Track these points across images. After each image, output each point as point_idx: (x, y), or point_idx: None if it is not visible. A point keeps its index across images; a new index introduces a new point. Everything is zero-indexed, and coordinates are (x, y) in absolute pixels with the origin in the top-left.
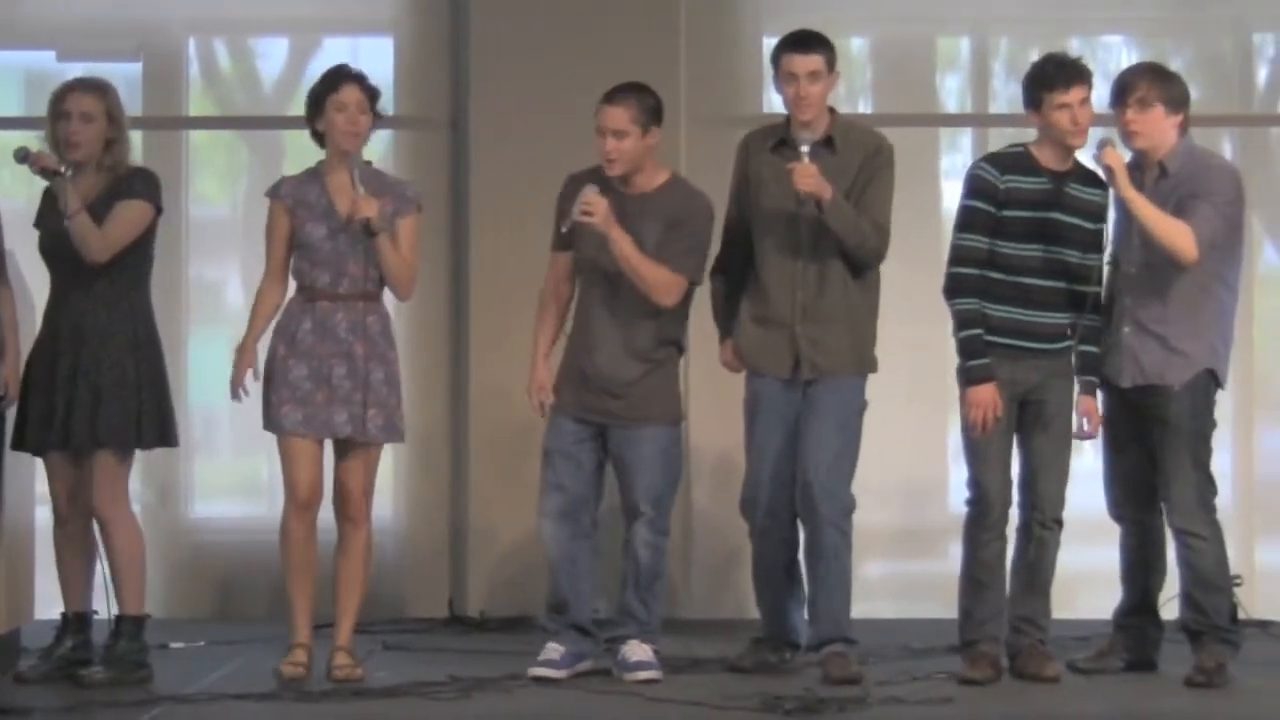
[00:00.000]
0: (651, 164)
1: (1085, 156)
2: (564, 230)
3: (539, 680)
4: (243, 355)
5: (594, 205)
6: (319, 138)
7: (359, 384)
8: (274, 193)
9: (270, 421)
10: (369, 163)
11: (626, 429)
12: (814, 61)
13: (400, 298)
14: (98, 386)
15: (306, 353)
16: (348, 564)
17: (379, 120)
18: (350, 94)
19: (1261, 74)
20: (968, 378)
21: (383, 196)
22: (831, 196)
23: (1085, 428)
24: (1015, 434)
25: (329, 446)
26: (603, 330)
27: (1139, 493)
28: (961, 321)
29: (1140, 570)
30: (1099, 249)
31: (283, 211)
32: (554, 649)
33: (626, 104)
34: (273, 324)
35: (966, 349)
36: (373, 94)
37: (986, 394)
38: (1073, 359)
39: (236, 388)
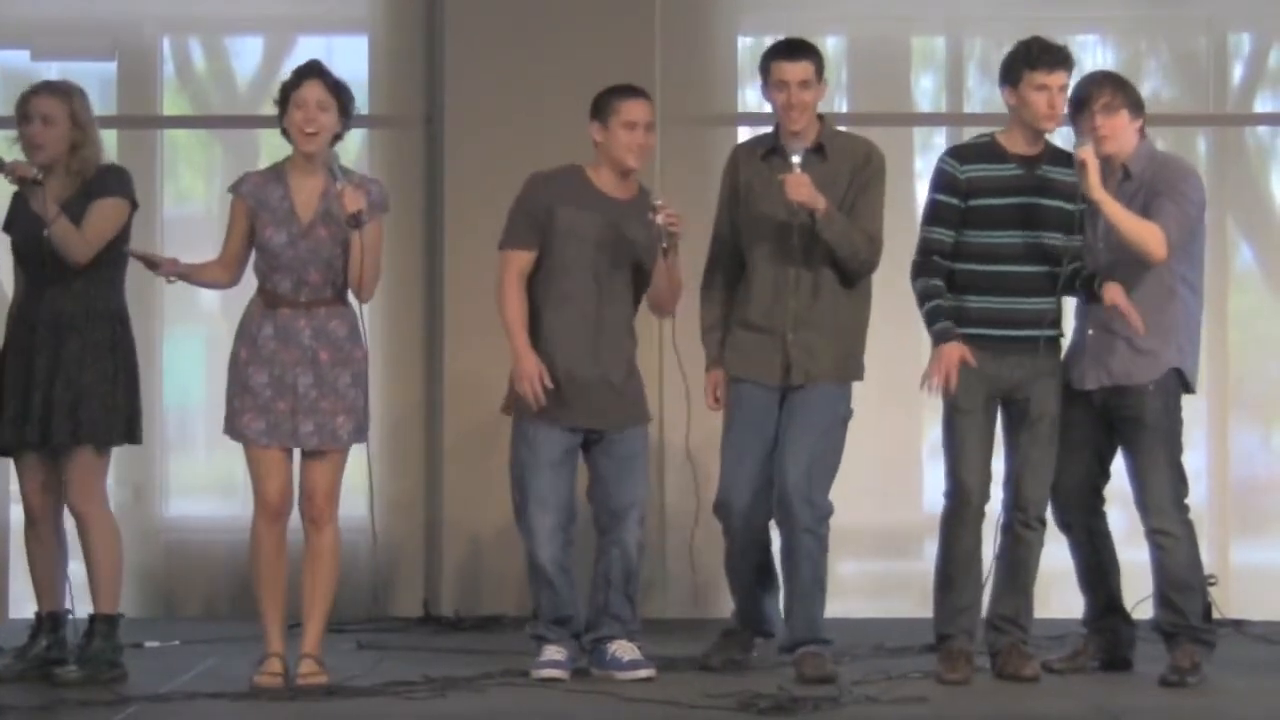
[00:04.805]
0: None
1: (1063, 142)
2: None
3: (546, 682)
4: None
5: (676, 217)
6: (287, 134)
7: (326, 391)
8: (236, 189)
9: (232, 428)
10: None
11: (622, 430)
12: (805, 69)
13: (363, 299)
14: (78, 386)
15: (268, 359)
16: (314, 568)
17: (347, 121)
18: (311, 91)
19: (1236, 73)
20: (933, 342)
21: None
22: (825, 207)
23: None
24: (1003, 433)
25: (297, 450)
26: (595, 331)
27: (1085, 499)
28: (923, 298)
29: (1098, 574)
30: (1079, 230)
31: (243, 210)
32: (557, 650)
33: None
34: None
35: (929, 319)
36: (338, 91)
37: (952, 350)
38: (1059, 353)
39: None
